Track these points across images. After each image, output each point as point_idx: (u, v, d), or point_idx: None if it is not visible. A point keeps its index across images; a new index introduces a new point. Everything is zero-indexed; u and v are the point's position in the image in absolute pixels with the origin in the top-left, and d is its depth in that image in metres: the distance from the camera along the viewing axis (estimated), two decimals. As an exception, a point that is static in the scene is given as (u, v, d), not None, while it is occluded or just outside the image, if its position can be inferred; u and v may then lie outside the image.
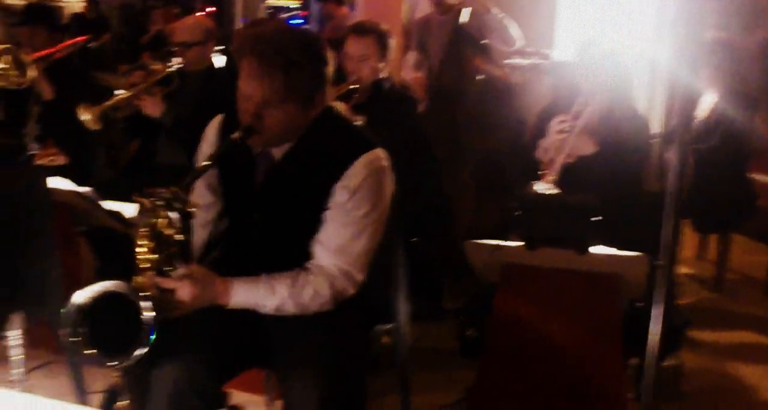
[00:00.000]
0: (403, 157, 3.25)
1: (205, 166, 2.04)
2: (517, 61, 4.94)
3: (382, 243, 2.24)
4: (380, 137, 2.25)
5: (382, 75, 3.70)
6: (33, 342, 3.05)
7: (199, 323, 2.10)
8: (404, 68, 5.14)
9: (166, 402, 1.97)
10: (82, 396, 2.75)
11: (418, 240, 3.54)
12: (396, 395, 2.67)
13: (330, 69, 2.12)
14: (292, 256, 2.14)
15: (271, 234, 2.18)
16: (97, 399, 2.65)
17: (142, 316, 1.86)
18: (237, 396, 2.43)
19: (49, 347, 3.11)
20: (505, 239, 2.88)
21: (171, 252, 1.96)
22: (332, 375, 1.99)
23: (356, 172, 2.09)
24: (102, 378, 2.53)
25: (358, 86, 3.61)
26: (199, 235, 2.29)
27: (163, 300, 1.95)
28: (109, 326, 1.86)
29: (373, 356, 2.49)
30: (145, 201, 1.89)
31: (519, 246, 2.79)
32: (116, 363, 1.88)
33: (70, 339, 1.83)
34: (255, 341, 2.18)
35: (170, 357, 2.01)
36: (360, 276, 2.16)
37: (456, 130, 4.81)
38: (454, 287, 4.02)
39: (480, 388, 2.90)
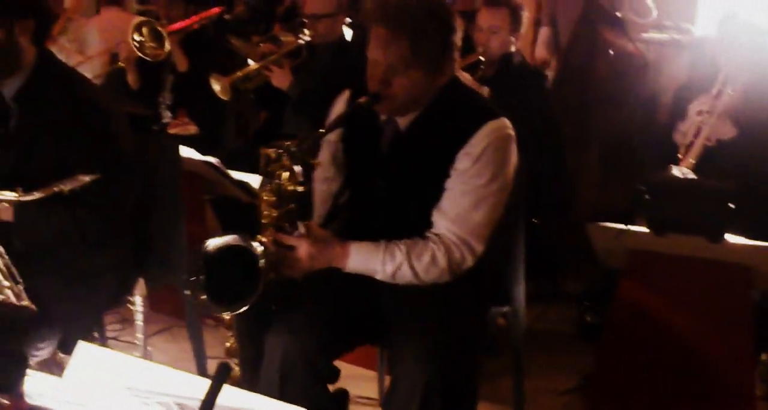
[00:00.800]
0: (528, 132, 3.19)
1: (332, 125, 2.10)
2: (653, 35, 4.72)
3: (503, 220, 2.19)
4: (505, 111, 2.21)
5: (512, 48, 3.64)
6: (157, 306, 3.20)
7: (316, 296, 2.14)
8: (538, 44, 5.02)
9: (276, 370, 2.02)
10: (200, 360, 2.85)
11: (538, 220, 3.46)
12: (510, 378, 2.64)
13: (458, 37, 2.11)
14: (413, 225, 2.14)
15: (393, 203, 2.19)
16: (214, 364, 2.74)
17: (258, 272, 1.92)
18: (348, 369, 2.45)
19: (172, 312, 3.26)
20: (632, 223, 2.77)
21: (291, 209, 2.02)
22: (443, 356, 1.97)
23: (480, 139, 2.07)
24: (220, 345, 2.61)
25: (484, 59, 3.57)
26: (319, 209, 2.32)
27: (281, 257, 2.00)
28: (228, 279, 1.93)
29: (489, 337, 2.45)
30: (271, 151, 1.96)
31: (646, 231, 2.68)
32: (223, 311, 1.99)
33: (189, 283, 1.90)
34: (369, 317, 2.19)
35: (284, 326, 2.06)
36: (479, 247, 2.12)
37: (584, 107, 4.65)
38: (575, 269, 3.92)
39: (599, 377, 2.83)
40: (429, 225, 2.13)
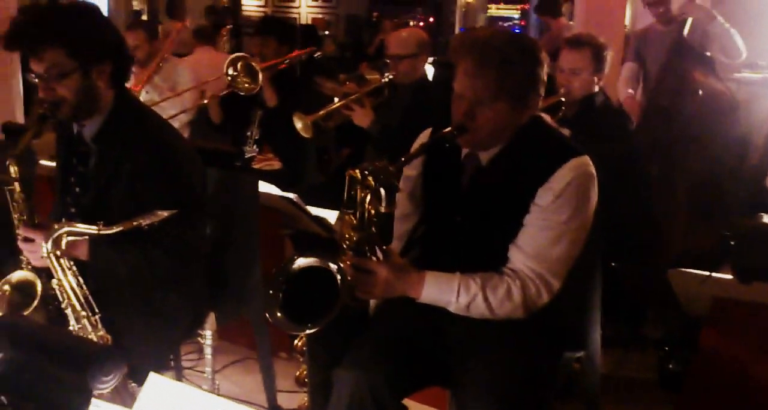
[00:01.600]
0: (611, 175, 3.13)
1: (414, 154, 2.12)
2: (745, 75, 4.58)
3: (579, 263, 2.16)
4: (586, 151, 2.18)
5: (595, 89, 3.59)
6: (233, 338, 3.25)
7: (388, 333, 2.15)
8: (620, 80, 4.95)
9: (344, 404, 2.02)
10: (270, 393, 2.88)
11: (619, 264, 3.37)
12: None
13: (544, 71, 2.10)
14: (489, 260, 2.13)
15: (471, 238, 2.18)
16: (285, 397, 2.77)
17: (335, 295, 1.94)
18: (419, 409, 2.44)
19: (247, 344, 3.30)
20: (717, 269, 2.67)
21: (371, 234, 2.03)
22: (511, 401, 1.94)
23: (562, 176, 2.06)
24: (292, 378, 2.63)
25: (566, 100, 3.53)
26: (395, 247, 2.32)
27: (358, 280, 2.02)
28: (306, 300, 1.96)
29: (563, 382, 2.39)
30: (357, 173, 1.98)
31: (731, 278, 2.58)
32: (297, 329, 2.02)
33: (267, 299, 1.94)
34: (438, 357, 2.17)
35: (355, 360, 2.06)
36: (556, 284, 2.10)
37: (671, 148, 4.54)
38: (657, 315, 3.79)
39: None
40: (505, 261, 2.12)
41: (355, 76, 4.39)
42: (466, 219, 2.18)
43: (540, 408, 2.10)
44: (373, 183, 1.96)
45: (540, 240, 2.07)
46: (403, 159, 2.07)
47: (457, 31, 12.58)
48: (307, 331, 2.04)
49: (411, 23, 12.23)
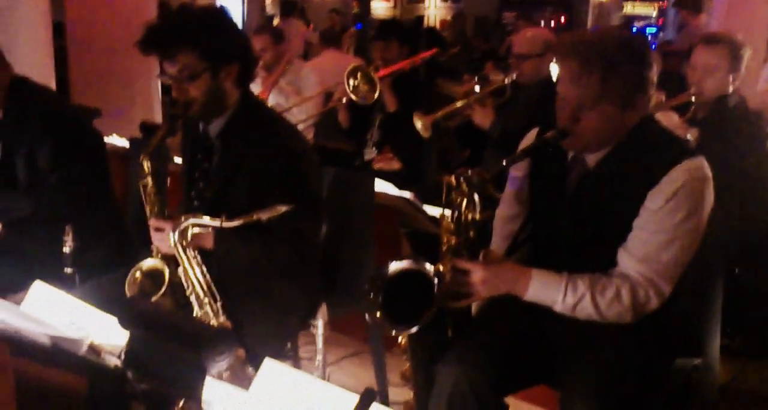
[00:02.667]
0: (739, 179, 3.01)
1: (515, 158, 2.10)
2: None
3: (697, 267, 2.11)
4: (715, 155, 2.12)
5: (729, 89, 3.46)
6: (350, 332, 3.34)
7: (491, 330, 2.17)
8: (760, 80, 4.74)
9: (445, 400, 2.04)
10: (381, 386, 2.94)
11: (742, 271, 3.24)
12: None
13: (653, 73, 2.06)
14: (597, 264, 2.11)
15: (578, 241, 2.17)
16: (395, 391, 2.83)
17: (433, 295, 1.98)
18: (525, 409, 2.43)
19: (361, 338, 3.38)
20: None
21: (469, 238, 2.06)
22: (618, 405, 1.92)
23: (673, 179, 2.01)
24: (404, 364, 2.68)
25: (696, 99, 3.42)
26: (501, 247, 2.33)
27: (457, 282, 2.05)
28: (404, 301, 2.01)
29: (677, 390, 2.32)
30: (452, 179, 2.01)
31: None
32: (396, 329, 2.05)
33: (366, 301, 2.00)
34: (543, 356, 2.17)
35: (457, 357, 2.08)
36: (666, 288, 2.05)
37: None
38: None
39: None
40: (613, 265, 2.09)
41: (479, 77, 4.40)
42: (572, 223, 2.17)
43: (643, 410, 2.07)
44: (467, 189, 1.99)
45: (650, 245, 2.03)
46: (499, 164, 2.07)
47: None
48: (406, 331, 2.08)
49: (542, 23, 12.09)
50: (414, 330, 2.03)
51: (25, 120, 2.87)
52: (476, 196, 2.00)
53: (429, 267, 2.02)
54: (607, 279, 2.06)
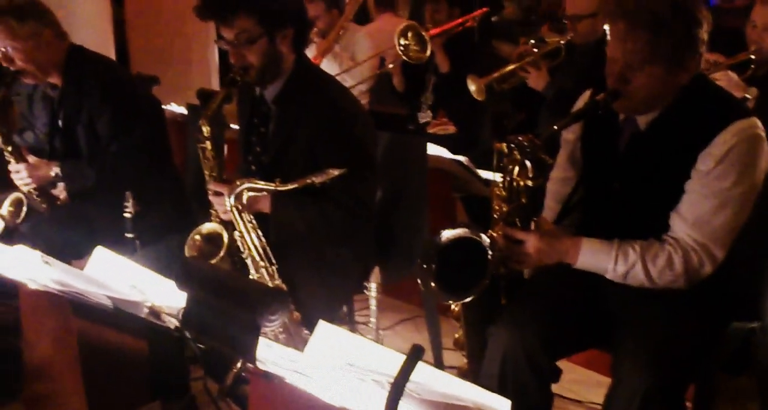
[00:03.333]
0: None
1: (564, 122, 2.07)
2: None
3: (755, 229, 2.07)
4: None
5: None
6: (405, 297, 3.36)
7: (544, 294, 2.16)
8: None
9: (498, 363, 2.05)
10: (436, 350, 2.96)
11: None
12: (757, 400, 2.45)
13: (704, 31, 2.00)
14: (649, 227, 2.08)
15: (629, 204, 2.14)
16: (450, 355, 2.84)
17: (487, 264, 1.98)
18: (582, 373, 2.43)
19: (416, 302, 3.41)
20: None
21: (521, 205, 2.05)
22: (667, 366, 1.90)
23: (725, 140, 1.97)
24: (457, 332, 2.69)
25: (756, 57, 3.32)
26: (554, 209, 2.32)
27: (510, 251, 2.05)
28: (458, 269, 2.01)
29: (733, 354, 2.29)
30: (503, 146, 2.00)
31: None
32: (450, 299, 2.06)
33: (420, 270, 2.00)
34: (595, 320, 2.16)
35: (509, 320, 2.09)
36: (719, 254, 2.02)
37: None
38: None
39: None
40: (666, 228, 2.06)
41: (535, 39, 4.32)
42: (624, 185, 2.14)
43: (702, 376, 2.06)
44: (519, 156, 1.97)
45: (702, 209, 2.00)
46: (550, 128, 2.04)
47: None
48: (460, 301, 2.08)
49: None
50: (468, 299, 2.03)
51: (84, 89, 2.94)
52: (528, 162, 1.98)
53: (482, 234, 2.01)
54: (660, 246, 2.03)
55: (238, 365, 2.12)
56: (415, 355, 1.24)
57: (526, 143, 1.96)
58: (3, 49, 2.88)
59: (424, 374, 1.41)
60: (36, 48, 2.87)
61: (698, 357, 2.03)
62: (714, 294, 2.10)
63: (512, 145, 1.98)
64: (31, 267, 1.99)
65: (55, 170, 2.95)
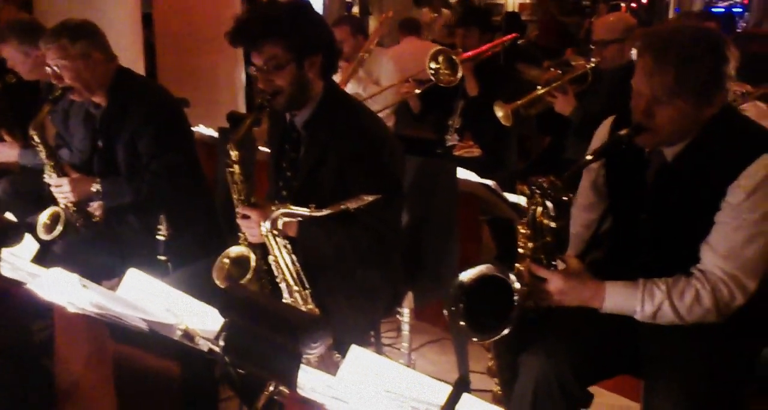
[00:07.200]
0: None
1: (588, 160, 2.08)
2: None
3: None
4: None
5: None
6: (431, 319, 3.36)
7: (574, 321, 2.15)
8: None
9: (531, 389, 2.05)
10: (464, 372, 2.94)
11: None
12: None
13: (731, 67, 2.01)
14: (677, 259, 2.09)
15: (657, 236, 2.14)
16: (477, 378, 2.84)
17: (514, 300, 1.98)
18: (611, 398, 2.41)
19: (443, 325, 3.41)
20: None
21: (546, 242, 2.05)
22: (699, 395, 1.90)
23: (755, 172, 1.97)
24: (486, 359, 2.69)
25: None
26: (581, 235, 2.33)
27: (534, 288, 2.06)
28: (486, 306, 2.00)
29: (763, 378, 2.28)
30: (525, 188, 2.01)
31: None
32: (480, 338, 2.04)
33: (449, 312, 2.00)
34: (627, 346, 2.16)
35: (541, 348, 2.09)
36: (751, 284, 2.02)
37: None
38: None
39: None
40: (695, 260, 2.06)
41: (560, 63, 4.35)
42: (652, 217, 2.14)
43: (736, 403, 2.04)
44: (541, 200, 1.98)
45: (733, 240, 2.00)
46: (574, 168, 2.05)
47: (671, 13, 12.01)
48: (490, 340, 2.06)
49: (622, 5, 11.82)
50: (497, 338, 2.02)
51: (128, 109, 3.00)
52: (549, 204, 1.98)
53: (507, 272, 2.01)
54: (686, 282, 2.03)
55: (271, 388, 2.13)
56: (461, 387, 1.24)
57: (546, 185, 1.97)
58: (54, 67, 2.97)
59: (467, 404, 1.40)
60: (85, 67, 2.96)
61: (731, 384, 2.03)
62: (745, 320, 2.08)
63: (534, 187, 1.99)
64: (69, 290, 2.01)
65: (96, 186, 3.02)
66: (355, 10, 12.44)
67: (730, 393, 2.02)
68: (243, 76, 6.29)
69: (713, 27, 3.65)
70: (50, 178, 3.06)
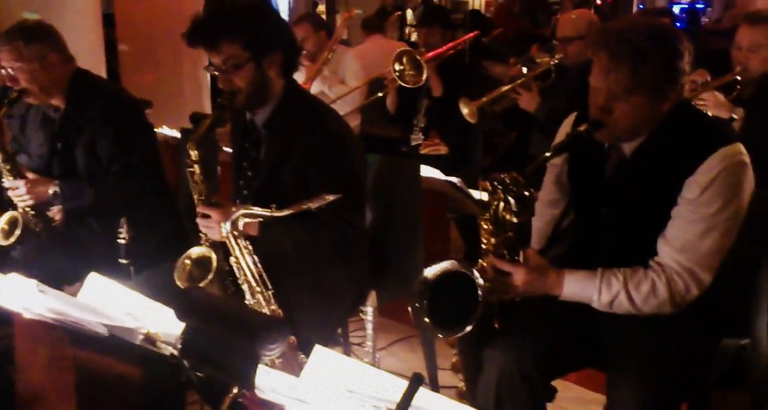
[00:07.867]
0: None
1: (547, 156, 2.10)
2: None
3: (743, 247, 2.09)
4: (761, 133, 2.08)
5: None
6: (399, 316, 3.36)
7: (537, 315, 2.17)
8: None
9: (494, 384, 2.06)
10: (431, 370, 2.95)
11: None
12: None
13: (685, 62, 2.03)
14: (636, 253, 2.11)
15: (617, 229, 2.17)
16: (442, 374, 2.85)
17: (478, 296, 1.99)
18: (576, 391, 2.43)
19: (410, 322, 3.40)
20: None
21: (508, 237, 2.07)
22: (665, 386, 1.92)
23: (710, 167, 1.99)
24: (450, 356, 2.69)
25: (742, 78, 3.36)
26: (544, 230, 2.35)
27: (498, 282, 2.07)
28: (450, 303, 2.00)
29: (725, 370, 2.31)
30: (488, 184, 2.02)
31: None
32: (445, 335, 2.05)
33: (413, 308, 2.00)
34: (588, 339, 2.18)
35: (504, 342, 2.10)
36: (706, 277, 2.04)
37: None
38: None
39: None
40: (653, 253, 2.08)
41: (525, 59, 4.37)
42: (611, 211, 2.17)
43: (695, 393, 2.08)
44: (502, 195, 1.99)
45: (689, 234, 2.02)
46: (534, 162, 2.07)
47: (635, 9, 12.12)
48: (454, 336, 2.07)
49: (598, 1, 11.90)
50: (461, 334, 2.03)
51: (87, 111, 2.95)
52: (512, 200, 1.99)
53: (470, 268, 2.02)
54: (643, 273, 2.05)
55: (235, 391, 2.11)
56: (415, 383, 1.24)
57: (508, 181, 1.98)
58: (9, 70, 2.92)
59: (425, 399, 1.40)
60: (41, 70, 2.91)
61: (690, 375, 2.06)
62: (704, 313, 2.11)
63: (495, 183, 1.99)
64: (26, 296, 1.98)
65: (53, 188, 2.97)
66: (321, 8, 12.42)
67: (690, 384, 2.05)
68: (208, 77, 6.25)
69: (666, 23, 3.68)
70: (7, 181, 3.01)
